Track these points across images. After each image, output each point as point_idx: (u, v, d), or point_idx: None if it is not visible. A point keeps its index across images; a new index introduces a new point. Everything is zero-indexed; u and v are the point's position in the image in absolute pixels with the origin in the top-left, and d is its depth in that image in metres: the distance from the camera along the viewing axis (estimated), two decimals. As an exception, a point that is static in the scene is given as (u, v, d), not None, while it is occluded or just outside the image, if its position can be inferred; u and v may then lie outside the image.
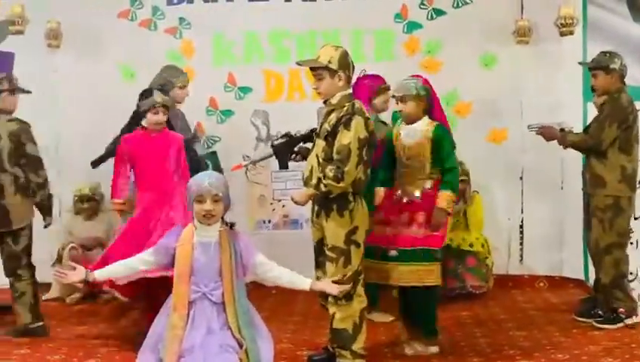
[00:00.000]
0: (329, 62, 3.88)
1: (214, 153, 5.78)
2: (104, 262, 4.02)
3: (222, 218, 3.29)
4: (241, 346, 3.13)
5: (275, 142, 4.29)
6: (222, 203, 3.23)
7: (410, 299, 4.32)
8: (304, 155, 4.23)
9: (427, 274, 4.15)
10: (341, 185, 3.79)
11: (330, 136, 3.87)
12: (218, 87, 6.10)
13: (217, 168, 5.34)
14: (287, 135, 4.33)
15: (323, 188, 3.81)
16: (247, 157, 4.39)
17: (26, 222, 4.83)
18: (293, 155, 4.27)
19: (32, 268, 4.87)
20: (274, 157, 4.39)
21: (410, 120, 4.30)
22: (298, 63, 4.12)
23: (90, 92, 6.06)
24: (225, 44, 6.13)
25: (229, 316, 3.17)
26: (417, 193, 4.26)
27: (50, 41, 6.05)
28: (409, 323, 4.40)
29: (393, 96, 4.41)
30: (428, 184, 4.26)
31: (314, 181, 3.88)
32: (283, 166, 4.28)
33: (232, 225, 3.33)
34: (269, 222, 6.19)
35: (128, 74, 6.07)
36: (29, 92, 5.05)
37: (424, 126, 4.28)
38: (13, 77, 4.97)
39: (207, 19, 6.11)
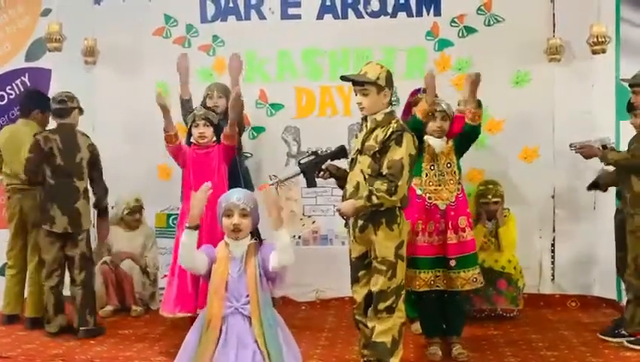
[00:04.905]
0: (377, 78, 3.92)
1: (245, 169, 5.83)
2: (171, 297, 4.67)
3: (251, 233, 3.35)
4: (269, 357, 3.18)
5: (302, 161, 4.32)
6: (250, 218, 3.30)
7: (453, 306, 4.60)
8: (332, 173, 4.25)
9: (479, 276, 4.52)
10: (393, 198, 3.83)
11: (379, 153, 3.90)
12: (250, 104, 6.11)
13: (248, 184, 5.39)
14: (314, 153, 4.36)
15: (375, 201, 3.82)
16: (275, 176, 4.42)
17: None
18: (321, 173, 4.30)
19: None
20: (301, 175, 4.42)
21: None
22: (345, 78, 4.05)
23: (126, 107, 6.17)
24: (257, 61, 6.17)
25: (255, 328, 3.22)
26: (452, 199, 4.51)
27: (86, 57, 6.19)
28: (450, 332, 4.63)
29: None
30: (459, 190, 4.55)
31: (363, 195, 3.87)
32: (311, 184, 4.30)
33: (261, 241, 3.38)
34: (299, 237, 6.21)
35: (162, 90, 6.14)
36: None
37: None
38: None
39: (240, 37, 6.15)
